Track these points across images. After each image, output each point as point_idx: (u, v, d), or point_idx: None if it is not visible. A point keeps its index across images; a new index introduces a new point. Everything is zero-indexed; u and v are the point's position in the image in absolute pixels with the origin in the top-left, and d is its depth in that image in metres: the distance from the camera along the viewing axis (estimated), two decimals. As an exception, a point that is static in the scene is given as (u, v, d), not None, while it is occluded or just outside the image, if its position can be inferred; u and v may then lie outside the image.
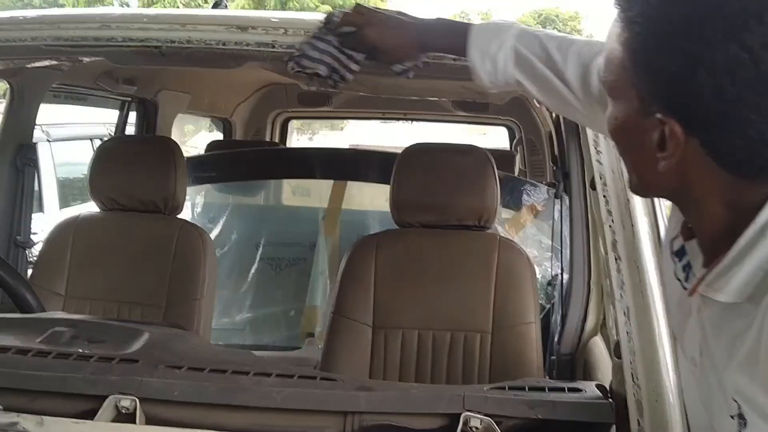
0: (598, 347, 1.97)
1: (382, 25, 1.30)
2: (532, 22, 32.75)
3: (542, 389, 1.17)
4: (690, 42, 0.70)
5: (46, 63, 1.80)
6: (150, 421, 1.06)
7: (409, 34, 1.29)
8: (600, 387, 1.19)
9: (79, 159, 5.83)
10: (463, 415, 1.07)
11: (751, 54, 0.67)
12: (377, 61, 1.33)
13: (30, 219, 2.48)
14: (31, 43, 1.49)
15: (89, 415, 1.06)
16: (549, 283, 2.49)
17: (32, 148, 2.44)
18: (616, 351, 1.15)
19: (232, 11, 1.74)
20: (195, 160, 3.12)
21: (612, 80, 0.80)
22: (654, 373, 1.10)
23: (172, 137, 3.09)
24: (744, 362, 0.72)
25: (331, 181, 3.12)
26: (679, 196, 0.82)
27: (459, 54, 1.26)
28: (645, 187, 0.84)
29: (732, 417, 0.73)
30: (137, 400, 1.06)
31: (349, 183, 3.13)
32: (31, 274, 2.28)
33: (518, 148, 4.37)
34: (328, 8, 17.58)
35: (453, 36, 1.26)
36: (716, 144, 0.73)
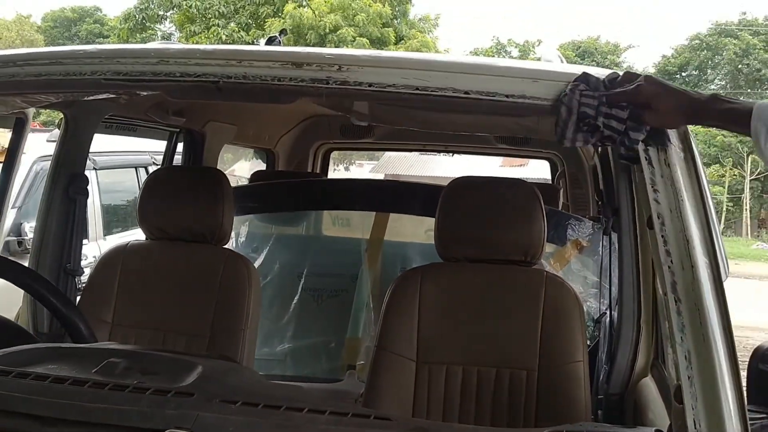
0: (649, 388, 1.92)
1: (660, 85, 1.31)
2: (570, 54, 32.75)
3: (600, 435, 1.14)
4: None
5: (103, 96, 1.85)
6: (205, 456, 1.06)
7: (685, 100, 1.31)
8: (659, 433, 1.16)
9: (121, 186, 5.96)
10: (520, 460, 1.05)
11: None
12: (639, 121, 1.32)
13: (80, 247, 2.52)
14: (90, 78, 1.52)
15: (145, 449, 1.06)
16: (596, 321, 2.45)
17: (84, 177, 2.49)
18: (676, 395, 1.12)
19: (286, 47, 1.77)
20: (239, 190, 3.16)
21: None
22: (717, 420, 1.07)
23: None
24: None
25: (371, 212, 3.13)
26: None
27: (735, 129, 1.33)
28: None
29: None
30: (192, 435, 1.06)
31: (391, 215, 3.14)
32: (80, 301, 2.32)
33: (561, 182, 4.35)
34: (365, 41, 17.89)
35: (732, 110, 1.29)
36: None
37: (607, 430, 1.16)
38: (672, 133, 1.34)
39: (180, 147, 3.34)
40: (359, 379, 2.61)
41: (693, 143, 1.43)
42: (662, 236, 1.25)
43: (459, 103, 1.48)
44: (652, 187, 1.31)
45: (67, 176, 2.45)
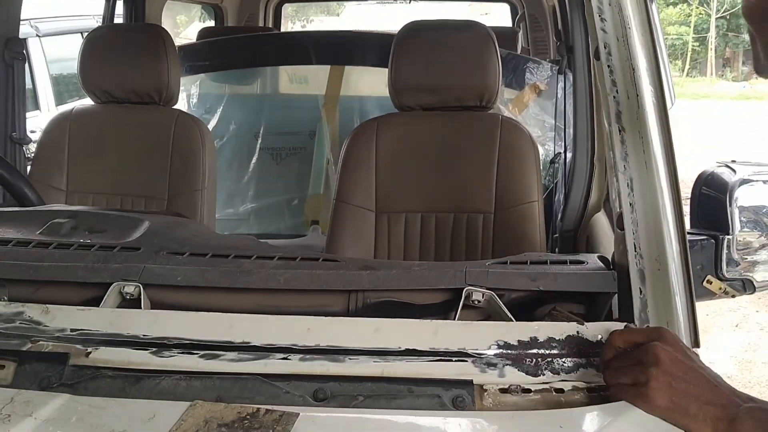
0: (601, 223, 1.97)
1: None
2: None
3: (544, 262, 1.17)
4: None
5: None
6: (155, 306, 1.07)
7: None
8: (602, 258, 1.19)
9: (71, 54, 5.71)
10: (465, 289, 1.08)
11: None
12: None
13: (24, 115, 2.44)
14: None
15: (94, 302, 1.07)
16: (552, 161, 2.47)
17: (20, 41, 2.37)
18: (618, 223, 1.14)
19: None
20: (187, 49, 3.04)
21: None
22: (657, 243, 1.09)
23: (164, 27, 3.00)
24: None
25: (328, 67, 3.04)
26: None
27: None
28: None
29: None
30: (141, 286, 1.06)
31: (347, 69, 3.05)
32: (30, 171, 2.27)
33: (521, 25, 4.24)
34: None
35: None
36: None
37: (549, 258, 1.19)
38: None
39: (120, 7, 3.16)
40: (323, 233, 2.64)
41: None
42: (608, 66, 1.22)
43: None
44: (600, 16, 1.27)
45: (1, 41, 2.32)
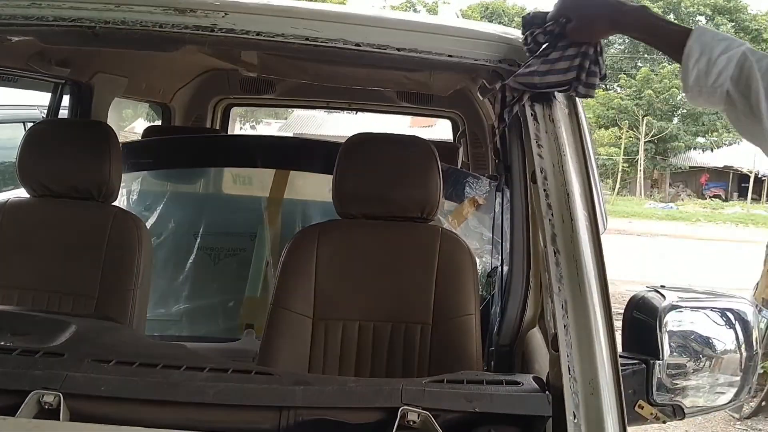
0: (536, 339, 1.99)
1: None
2: (477, 16, 33.00)
3: (480, 382, 1.17)
4: None
5: (-29, 41, 1.72)
6: (75, 417, 1.02)
7: (608, 7, 1.30)
8: (537, 380, 1.20)
9: (11, 143, 5.62)
10: (400, 409, 1.06)
11: None
12: (565, 36, 1.32)
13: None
14: (-46, 20, 1.41)
15: (10, 411, 1.01)
16: (489, 275, 2.51)
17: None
18: (553, 344, 1.16)
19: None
20: (131, 146, 3.03)
21: None
22: (590, 367, 1.11)
23: (109, 122, 3.00)
24: None
25: (273, 170, 3.07)
26: None
27: (656, 45, 1.27)
28: None
29: None
30: (61, 396, 1.01)
31: (292, 173, 3.09)
32: (-45, 263, 2.17)
33: (461, 141, 4.40)
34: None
35: (663, 27, 1.25)
36: None
37: (485, 377, 1.18)
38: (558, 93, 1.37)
39: (66, 100, 3.16)
40: (257, 338, 2.59)
41: (578, 101, 1.47)
42: (544, 190, 1.27)
43: (351, 56, 1.47)
44: (537, 142, 1.33)
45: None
